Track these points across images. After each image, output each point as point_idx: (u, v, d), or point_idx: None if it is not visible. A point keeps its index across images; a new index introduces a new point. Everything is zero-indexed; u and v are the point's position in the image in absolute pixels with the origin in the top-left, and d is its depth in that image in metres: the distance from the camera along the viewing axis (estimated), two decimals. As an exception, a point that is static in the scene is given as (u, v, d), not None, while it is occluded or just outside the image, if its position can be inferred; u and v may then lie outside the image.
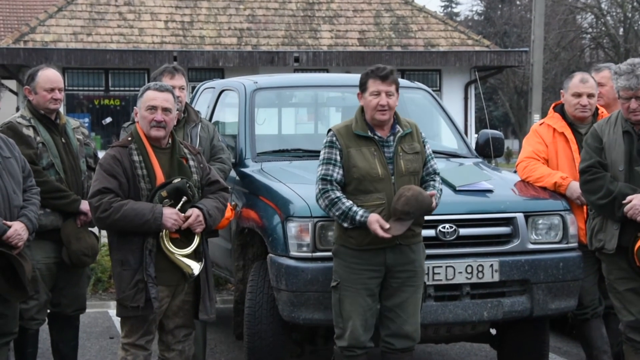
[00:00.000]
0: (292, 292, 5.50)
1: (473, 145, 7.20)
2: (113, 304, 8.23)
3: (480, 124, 31.83)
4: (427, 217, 5.37)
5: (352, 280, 5.23)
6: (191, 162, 5.19)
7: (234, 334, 6.45)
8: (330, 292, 5.36)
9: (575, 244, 5.94)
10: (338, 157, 5.26)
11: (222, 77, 13.52)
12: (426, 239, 5.44)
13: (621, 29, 37.35)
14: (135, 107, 5.22)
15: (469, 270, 5.62)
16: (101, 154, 5.43)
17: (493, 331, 6.40)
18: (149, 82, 5.51)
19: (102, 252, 8.43)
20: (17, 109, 15.22)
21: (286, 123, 8.00)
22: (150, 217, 4.89)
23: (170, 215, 4.93)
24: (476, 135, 7.99)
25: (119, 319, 5.20)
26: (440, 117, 7.39)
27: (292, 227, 5.55)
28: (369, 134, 5.30)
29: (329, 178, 5.23)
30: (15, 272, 5.05)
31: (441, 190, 5.39)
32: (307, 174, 6.02)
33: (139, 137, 5.09)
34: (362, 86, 5.34)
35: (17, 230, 5.08)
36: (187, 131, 6.10)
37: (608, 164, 5.41)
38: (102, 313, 8.77)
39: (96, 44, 19.76)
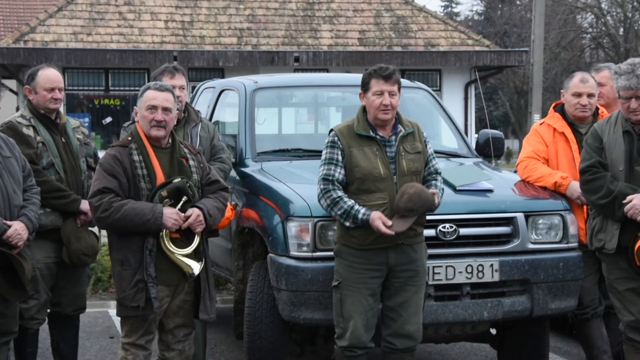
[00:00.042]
0: (292, 292, 5.49)
1: (473, 145, 7.21)
2: (113, 303, 8.23)
3: (480, 124, 31.85)
4: (427, 217, 5.37)
5: (354, 279, 5.23)
6: (191, 162, 5.18)
7: (234, 334, 6.45)
8: (330, 292, 5.36)
9: (575, 244, 5.94)
10: (340, 157, 5.26)
11: (222, 77, 13.53)
12: (426, 238, 5.43)
13: (621, 29, 37.37)
14: (135, 107, 5.22)
15: (469, 270, 5.62)
16: (101, 154, 5.43)
17: (493, 331, 6.40)
18: (149, 81, 5.51)
19: (102, 251, 8.44)
20: (17, 109, 15.21)
21: (286, 123, 8.01)
22: (151, 217, 4.89)
23: (171, 215, 4.93)
24: (476, 135, 8.00)
25: (119, 318, 5.19)
26: (441, 117, 7.39)
27: (292, 227, 5.55)
28: (371, 133, 5.30)
29: (330, 178, 5.23)
30: (15, 272, 5.06)
31: (443, 189, 5.39)
32: (308, 173, 6.02)
33: (139, 136, 5.09)
34: (365, 86, 5.34)
35: (17, 229, 5.08)
36: (187, 131, 6.09)
37: (608, 163, 5.41)
38: (102, 313, 8.77)
39: (96, 44, 19.77)
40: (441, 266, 5.58)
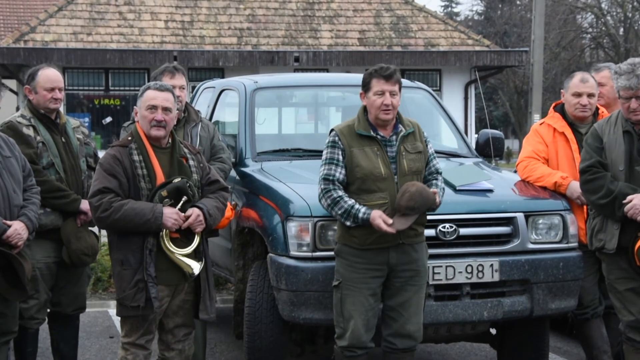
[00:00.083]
0: (292, 292, 5.49)
1: (473, 145, 7.21)
2: (113, 303, 8.23)
3: (480, 124, 31.85)
4: (427, 217, 5.37)
5: (354, 279, 5.23)
6: (191, 162, 5.18)
7: (234, 334, 6.45)
8: (330, 292, 5.36)
9: (575, 244, 5.94)
10: (340, 157, 5.26)
11: (222, 77, 13.53)
12: (426, 238, 5.43)
13: (621, 29, 37.36)
14: (135, 107, 5.22)
15: (469, 270, 5.62)
16: (101, 154, 5.43)
17: (493, 331, 6.40)
18: (149, 81, 5.51)
19: (102, 251, 8.44)
20: (17, 109, 15.21)
21: (286, 123, 8.00)
22: (151, 217, 4.89)
23: (171, 214, 4.93)
24: (476, 135, 7.99)
25: (119, 318, 5.19)
26: (441, 117, 7.39)
27: (292, 227, 5.55)
28: (372, 133, 5.30)
29: (331, 178, 5.23)
30: (15, 272, 5.06)
31: (443, 189, 5.39)
32: (307, 173, 6.02)
33: (139, 136, 5.09)
34: (366, 86, 5.34)
35: (17, 229, 5.08)
36: (187, 131, 6.10)
37: (608, 163, 5.41)
38: (102, 312, 8.77)
39: (96, 44, 19.77)
40: (441, 266, 5.58)
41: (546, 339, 6.26)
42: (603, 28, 37.30)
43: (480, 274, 5.63)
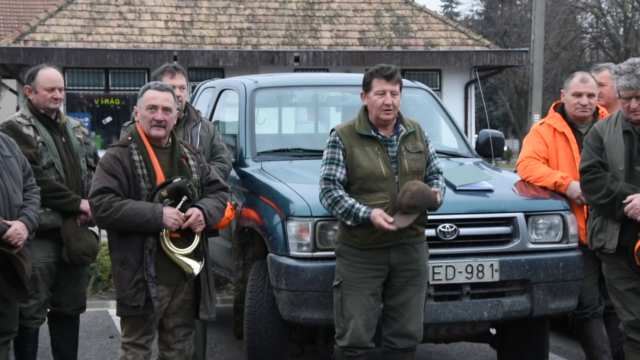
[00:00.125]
0: (292, 292, 5.49)
1: (473, 145, 7.20)
2: (113, 303, 8.23)
3: (480, 124, 31.85)
4: (427, 217, 5.37)
5: (355, 279, 5.23)
6: (191, 162, 5.18)
7: (234, 334, 6.45)
8: (330, 292, 5.36)
9: (575, 244, 5.94)
10: (341, 157, 5.26)
11: (222, 77, 13.53)
12: (426, 238, 5.43)
13: (621, 29, 37.36)
14: (135, 107, 5.22)
15: (469, 270, 5.62)
16: (101, 154, 5.43)
17: (493, 331, 6.40)
18: (149, 81, 5.51)
19: (102, 251, 8.44)
20: (17, 108, 15.22)
21: (286, 122, 8.00)
22: (151, 217, 4.89)
23: (171, 214, 4.93)
24: (476, 135, 7.99)
25: (119, 318, 5.19)
26: (441, 117, 7.39)
27: (292, 227, 5.55)
28: (373, 133, 5.30)
29: (331, 178, 5.23)
30: (15, 272, 5.06)
31: (444, 188, 5.39)
32: (308, 173, 6.02)
33: (139, 136, 5.09)
34: (366, 86, 5.34)
35: (17, 229, 5.08)
36: (188, 130, 6.10)
37: (608, 163, 5.41)
38: (102, 312, 8.77)
39: (96, 44, 19.77)
40: (441, 266, 5.58)
41: (546, 339, 6.26)
42: (603, 28, 37.30)
43: (480, 274, 5.63)
